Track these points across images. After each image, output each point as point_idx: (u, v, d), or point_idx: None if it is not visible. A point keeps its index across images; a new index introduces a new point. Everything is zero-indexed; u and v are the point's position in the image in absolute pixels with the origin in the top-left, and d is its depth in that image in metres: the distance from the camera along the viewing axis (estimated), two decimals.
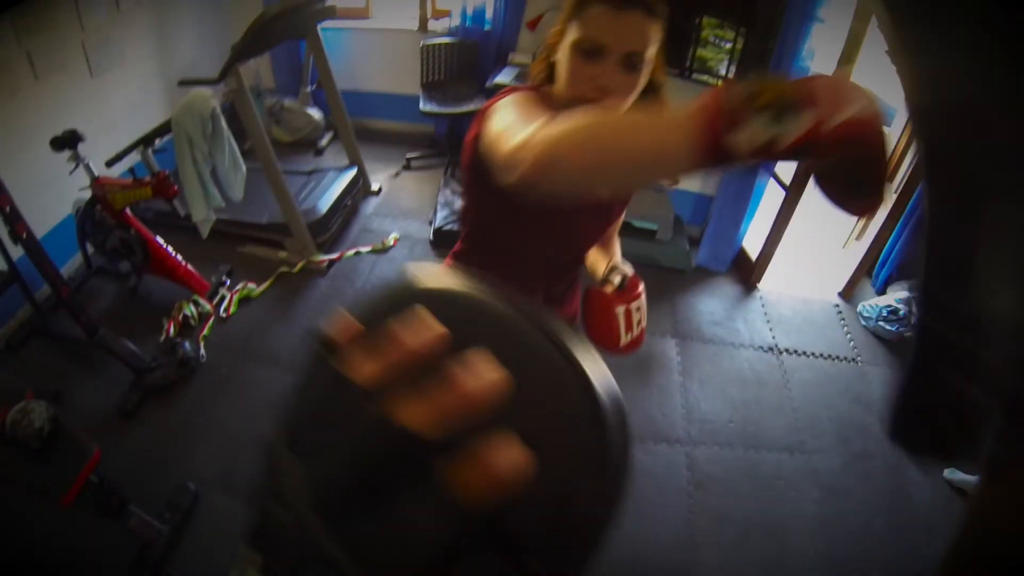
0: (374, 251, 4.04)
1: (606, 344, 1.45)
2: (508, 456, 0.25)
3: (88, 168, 3.09)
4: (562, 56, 1.16)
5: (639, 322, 1.47)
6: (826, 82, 0.64)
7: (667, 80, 1.26)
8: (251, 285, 3.64)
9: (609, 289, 1.45)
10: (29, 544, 2.39)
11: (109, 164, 3.21)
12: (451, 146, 4.73)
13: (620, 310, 1.43)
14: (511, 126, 0.96)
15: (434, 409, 0.25)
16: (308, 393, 0.30)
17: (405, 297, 0.29)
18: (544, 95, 1.23)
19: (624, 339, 1.45)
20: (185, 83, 3.44)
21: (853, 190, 0.70)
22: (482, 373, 0.26)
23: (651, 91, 1.23)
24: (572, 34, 1.13)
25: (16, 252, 2.88)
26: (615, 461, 0.29)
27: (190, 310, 3.37)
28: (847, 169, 0.67)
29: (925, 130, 0.56)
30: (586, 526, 0.29)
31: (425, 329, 0.27)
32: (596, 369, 0.29)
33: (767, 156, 0.63)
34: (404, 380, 0.26)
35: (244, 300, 3.58)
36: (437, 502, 0.25)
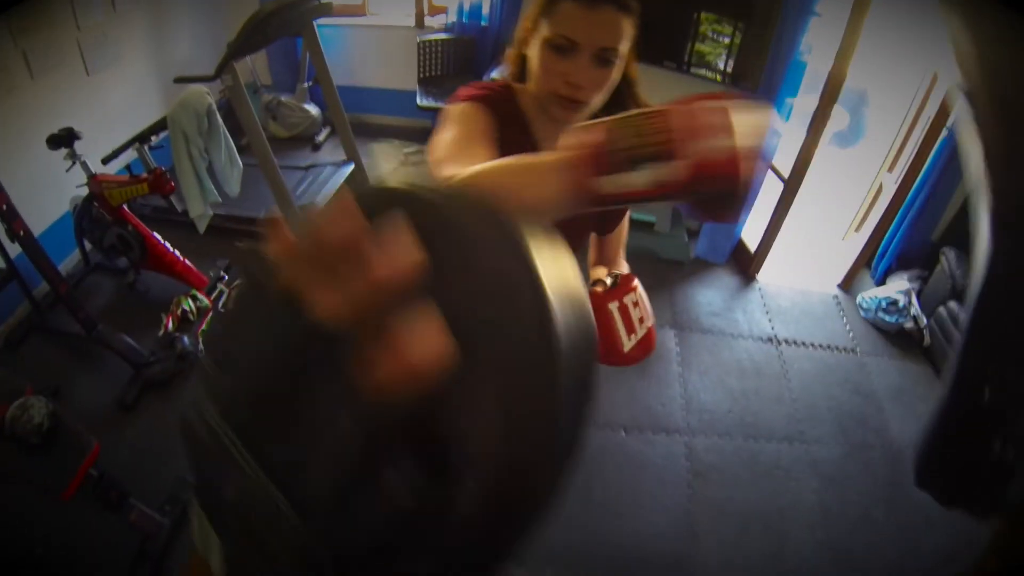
0: None
1: (609, 352, 1.28)
2: (422, 338, 0.23)
3: (85, 165, 3.10)
4: (533, 52, 1.15)
5: (641, 320, 1.29)
6: (683, 119, 0.64)
7: (639, 75, 1.25)
8: None
9: (599, 289, 1.30)
10: (30, 539, 2.39)
11: (105, 161, 3.21)
12: None
13: (613, 306, 1.28)
14: (443, 158, 1.01)
15: (342, 295, 0.24)
16: (238, 310, 0.29)
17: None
18: (505, 96, 1.24)
19: (627, 342, 1.28)
20: (181, 80, 3.44)
21: (706, 208, 0.72)
22: (396, 253, 0.24)
23: (625, 86, 1.21)
24: (543, 30, 1.12)
25: (14, 250, 2.89)
26: (564, 377, 0.26)
27: (188, 305, 3.38)
28: (701, 196, 0.68)
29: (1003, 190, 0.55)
30: (532, 457, 0.27)
31: (344, 217, 0.25)
32: (554, 268, 0.26)
33: (632, 199, 0.66)
34: (320, 273, 0.24)
35: None
36: (347, 399, 0.23)
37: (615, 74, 1.14)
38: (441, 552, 0.26)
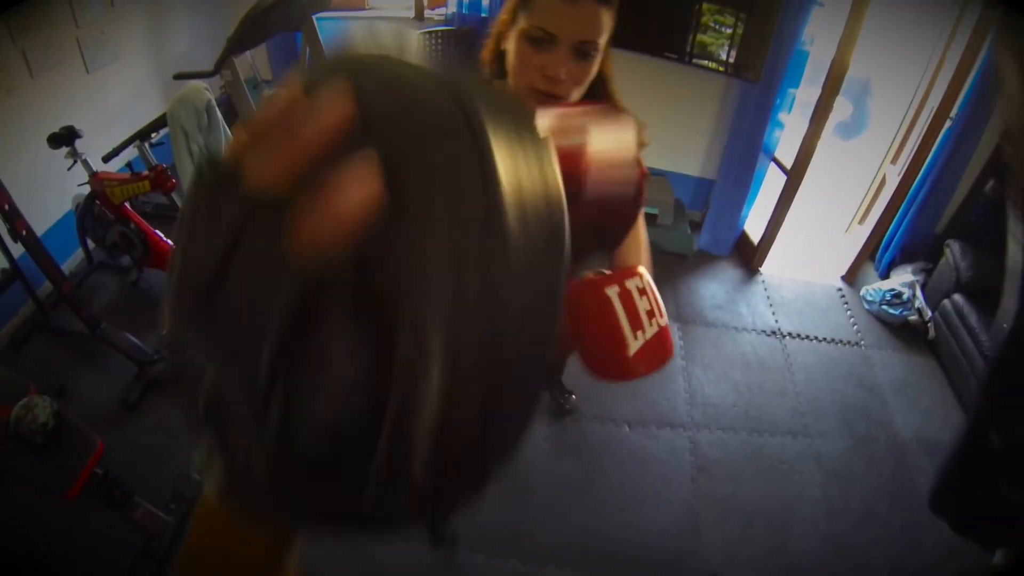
0: None
1: (611, 356, 0.97)
2: (348, 185, 0.22)
3: (86, 164, 3.09)
4: (511, 45, 1.12)
5: (651, 316, 0.98)
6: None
7: (613, 73, 1.23)
8: None
9: (592, 275, 1.05)
10: (36, 538, 2.41)
11: (106, 159, 3.20)
12: None
13: (612, 291, 0.99)
14: None
15: (274, 160, 0.23)
16: (188, 207, 0.29)
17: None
18: None
19: (633, 342, 0.96)
20: (181, 76, 3.42)
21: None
22: (325, 110, 0.23)
23: (598, 81, 1.18)
24: (521, 22, 1.09)
25: (17, 250, 2.89)
26: (514, 247, 0.24)
27: None
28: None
29: None
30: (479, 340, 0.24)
31: (284, 92, 0.25)
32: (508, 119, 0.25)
33: None
34: (257, 146, 0.24)
35: None
36: (282, 264, 0.22)
37: (594, 68, 1.11)
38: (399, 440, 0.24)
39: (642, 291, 0.97)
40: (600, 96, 1.21)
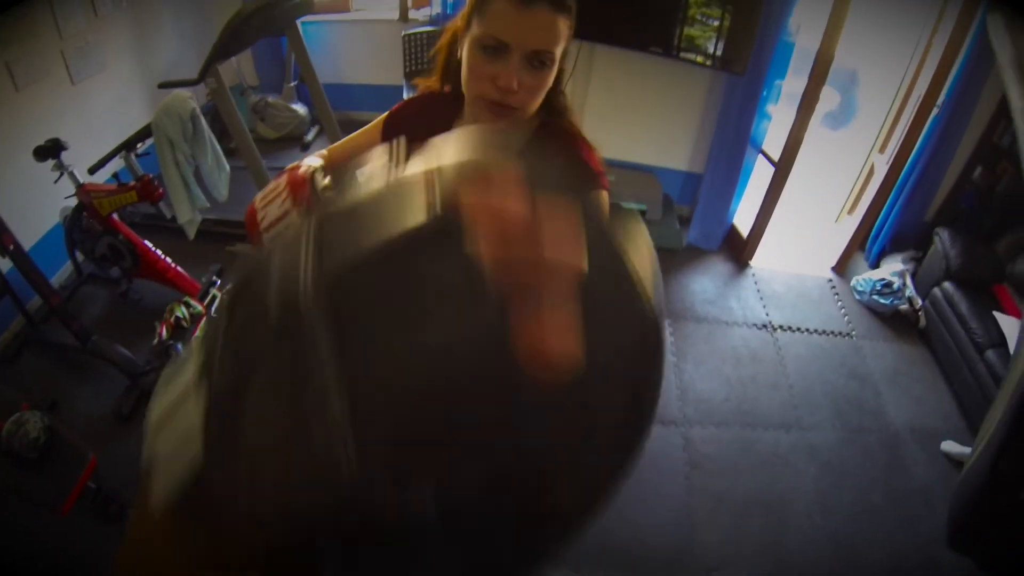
0: None
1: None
2: (568, 342, 0.23)
3: (73, 176, 3.08)
4: (464, 53, 1.08)
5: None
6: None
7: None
8: None
9: None
10: (30, 553, 2.40)
11: (92, 171, 3.19)
12: None
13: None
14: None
15: (512, 258, 0.24)
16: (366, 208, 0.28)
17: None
18: (427, 104, 1.31)
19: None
20: (166, 85, 3.41)
21: None
22: (570, 255, 0.24)
23: (552, 94, 1.15)
24: (474, 29, 1.04)
25: (5, 264, 2.88)
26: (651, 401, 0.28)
27: (182, 312, 3.37)
28: None
29: None
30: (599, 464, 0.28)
31: (520, 200, 0.25)
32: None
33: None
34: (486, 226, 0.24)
35: None
36: (487, 349, 0.23)
37: (549, 78, 1.07)
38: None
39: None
40: (553, 105, 1.18)
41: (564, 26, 1.03)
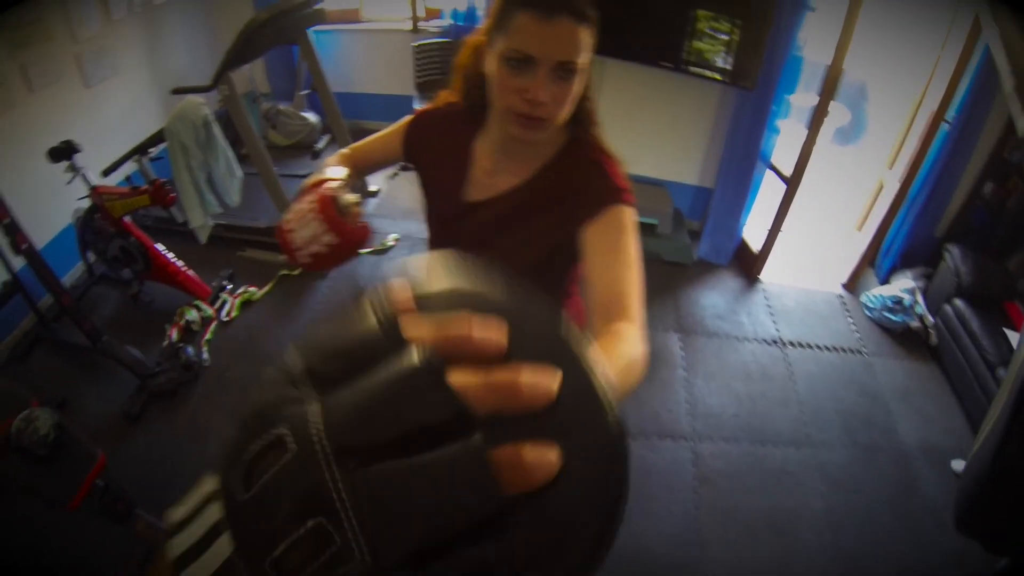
0: (374, 252, 4.03)
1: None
2: (544, 460, 0.26)
3: (85, 178, 3.10)
4: (491, 68, 1.11)
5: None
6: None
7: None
8: (252, 289, 3.65)
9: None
10: (37, 548, 2.41)
11: (105, 173, 3.22)
12: None
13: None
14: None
15: (489, 387, 0.26)
16: (343, 332, 0.30)
17: (471, 297, 0.30)
18: (448, 112, 1.32)
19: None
20: (179, 91, 3.44)
21: None
22: (542, 380, 0.27)
23: (580, 104, 1.17)
24: (499, 45, 1.07)
25: (18, 263, 2.90)
26: (618, 503, 0.30)
27: (192, 315, 3.38)
28: None
29: None
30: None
31: (492, 330, 0.28)
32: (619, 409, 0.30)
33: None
34: (458, 356, 0.27)
35: (246, 304, 3.58)
36: (469, 471, 0.25)
37: (576, 88, 1.09)
38: None
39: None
40: (580, 115, 1.20)
41: (587, 36, 1.05)
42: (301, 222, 1.16)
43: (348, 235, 1.15)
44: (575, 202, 1.17)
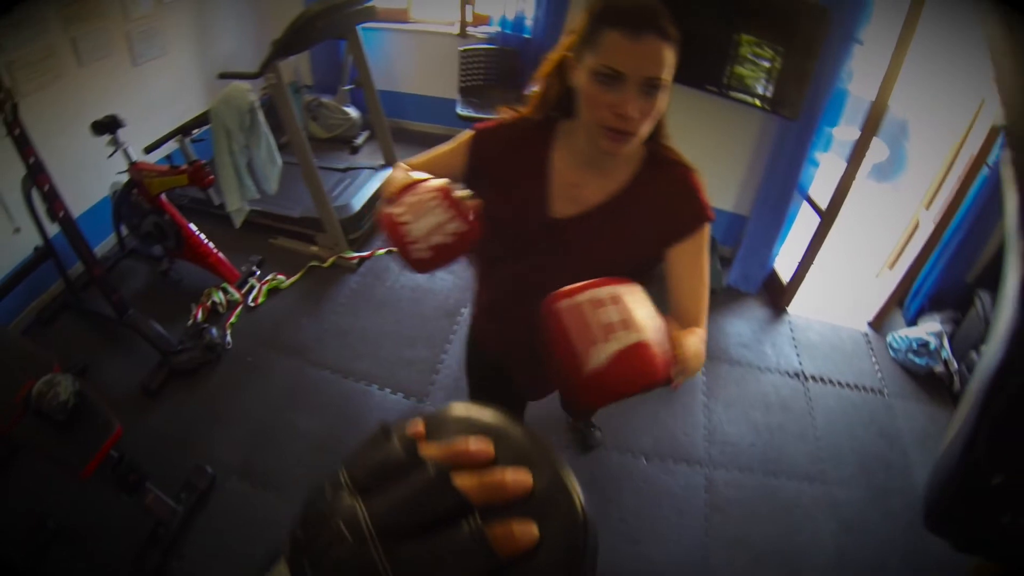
0: (390, 252, 4.04)
1: (566, 373, 0.90)
2: (527, 531, 0.35)
3: (127, 153, 3.14)
4: (579, 82, 1.16)
5: (618, 327, 0.87)
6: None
7: (665, 123, 1.30)
8: (281, 277, 3.67)
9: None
10: (47, 509, 2.44)
11: (148, 150, 3.26)
12: None
13: (564, 304, 0.91)
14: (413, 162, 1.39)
15: (483, 485, 0.36)
16: (377, 454, 0.39)
17: (466, 423, 0.41)
18: (517, 127, 1.34)
19: (594, 354, 0.86)
20: (225, 76, 3.49)
21: None
22: (520, 477, 0.37)
23: (654, 134, 1.26)
24: (589, 61, 1.13)
25: (52, 230, 2.94)
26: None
27: (219, 297, 3.41)
28: None
29: None
30: None
31: (482, 444, 0.38)
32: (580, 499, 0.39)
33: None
34: (459, 464, 0.37)
35: (273, 291, 3.61)
36: (474, 543, 0.34)
37: (660, 103, 1.14)
38: None
39: (597, 303, 0.89)
40: (656, 134, 1.27)
41: (671, 54, 1.11)
42: (419, 212, 1.12)
43: (473, 224, 1.13)
44: (667, 222, 1.28)
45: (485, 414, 0.43)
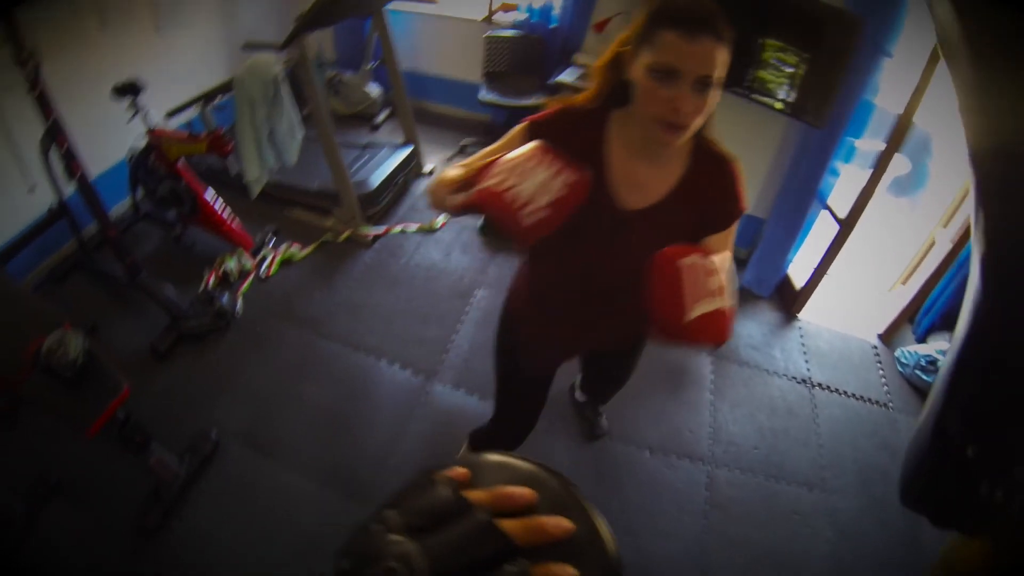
0: (421, 230, 4.05)
1: (667, 318, 1.13)
2: (566, 573, 0.39)
3: (146, 117, 3.14)
4: (636, 77, 1.22)
5: (715, 295, 1.13)
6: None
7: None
8: (295, 248, 3.68)
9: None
10: (50, 464, 2.46)
11: (169, 115, 3.26)
12: None
13: (685, 262, 1.13)
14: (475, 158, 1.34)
15: (527, 528, 0.40)
16: (428, 499, 0.42)
17: (507, 471, 0.46)
18: (568, 119, 1.37)
19: (691, 309, 1.11)
20: (249, 47, 3.48)
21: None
22: (561, 523, 0.41)
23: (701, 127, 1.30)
24: (645, 58, 1.19)
25: (68, 191, 2.95)
26: None
27: (231, 264, 3.41)
28: None
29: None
30: None
31: (525, 491, 0.43)
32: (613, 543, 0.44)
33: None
34: (504, 510, 0.41)
35: (286, 262, 3.61)
36: None
37: (712, 101, 1.20)
38: None
39: (710, 272, 1.14)
40: (703, 130, 1.33)
41: (723, 54, 1.17)
42: (524, 174, 1.12)
43: (583, 171, 1.15)
44: (711, 215, 1.39)
45: (521, 463, 0.47)
